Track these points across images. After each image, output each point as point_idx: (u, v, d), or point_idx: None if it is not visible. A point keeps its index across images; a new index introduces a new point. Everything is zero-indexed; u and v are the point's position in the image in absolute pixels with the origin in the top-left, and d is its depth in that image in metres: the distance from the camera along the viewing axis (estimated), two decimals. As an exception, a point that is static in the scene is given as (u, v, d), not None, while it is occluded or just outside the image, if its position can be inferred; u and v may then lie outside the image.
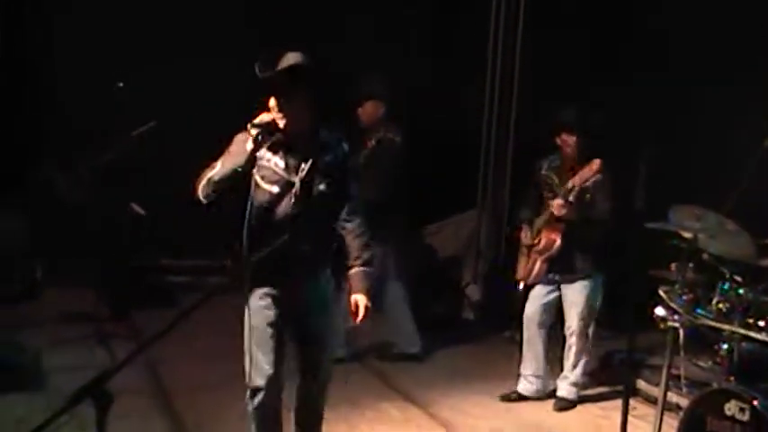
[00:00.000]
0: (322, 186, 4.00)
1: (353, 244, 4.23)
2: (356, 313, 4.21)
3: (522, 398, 5.96)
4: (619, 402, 5.79)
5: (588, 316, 5.72)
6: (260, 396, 4.13)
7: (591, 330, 5.76)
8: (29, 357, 6.12)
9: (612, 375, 6.28)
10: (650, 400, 5.74)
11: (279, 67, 3.89)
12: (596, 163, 5.38)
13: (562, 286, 5.75)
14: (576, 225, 5.55)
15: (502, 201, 8.28)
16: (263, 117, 3.93)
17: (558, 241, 5.59)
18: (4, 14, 7.92)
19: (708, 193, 4.90)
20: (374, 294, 4.52)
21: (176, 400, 5.66)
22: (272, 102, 3.95)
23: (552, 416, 5.76)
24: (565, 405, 5.80)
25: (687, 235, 4.73)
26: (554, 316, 5.88)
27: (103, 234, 7.03)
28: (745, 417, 4.17)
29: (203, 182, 4.01)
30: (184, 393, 5.68)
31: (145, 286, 8.06)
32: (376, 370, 6.56)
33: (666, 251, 4.89)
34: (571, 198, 5.50)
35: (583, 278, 5.68)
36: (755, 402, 4.15)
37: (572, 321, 5.73)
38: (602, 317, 5.90)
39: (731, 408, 4.23)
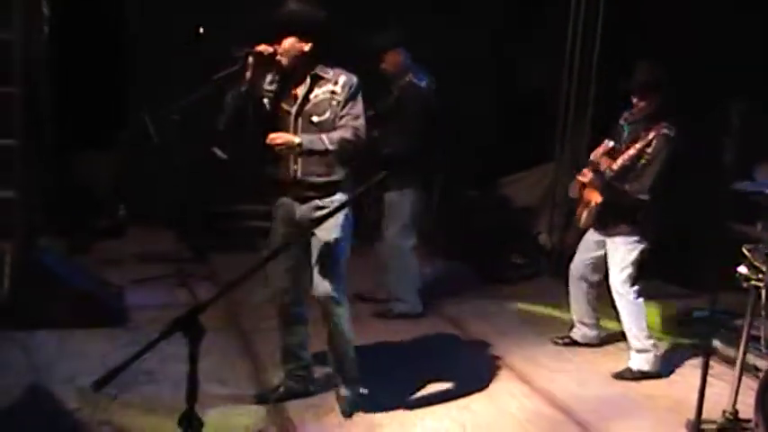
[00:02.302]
0: (315, 118, 4.46)
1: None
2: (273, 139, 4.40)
3: (575, 343, 6.06)
4: (693, 361, 5.80)
5: (626, 273, 5.55)
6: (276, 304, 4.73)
7: (633, 290, 5.57)
8: (112, 293, 6.30)
9: (688, 333, 6.23)
10: (727, 361, 5.67)
11: (272, 14, 4.45)
12: (660, 129, 5.29)
13: (607, 240, 5.65)
14: (613, 191, 5.45)
15: (580, 153, 8.18)
16: (262, 47, 4.40)
17: (594, 202, 5.51)
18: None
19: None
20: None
21: (255, 341, 5.78)
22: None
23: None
24: (624, 374, 5.60)
25: (773, 192, 4.64)
26: (599, 270, 5.80)
27: (186, 176, 7.16)
28: (827, 379, 4.11)
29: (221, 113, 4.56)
30: (264, 334, 5.78)
31: (224, 229, 8.21)
32: (448, 318, 6.62)
33: (753, 208, 4.80)
34: (606, 174, 5.42)
35: (623, 234, 5.55)
36: (839, 365, 4.08)
37: (610, 277, 5.65)
38: (679, 274, 5.82)
39: (813, 370, 4.17)
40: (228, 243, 7.98)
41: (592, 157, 5.65)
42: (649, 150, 5.33)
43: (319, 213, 4.50)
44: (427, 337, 6.19)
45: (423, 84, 6.33)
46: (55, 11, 7.29)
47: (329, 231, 4.49)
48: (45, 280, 5.73)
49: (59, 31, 7.56)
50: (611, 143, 5.60)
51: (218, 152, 7.12)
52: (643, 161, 5.37)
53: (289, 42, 4.42)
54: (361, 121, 4.49)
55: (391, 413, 4.76)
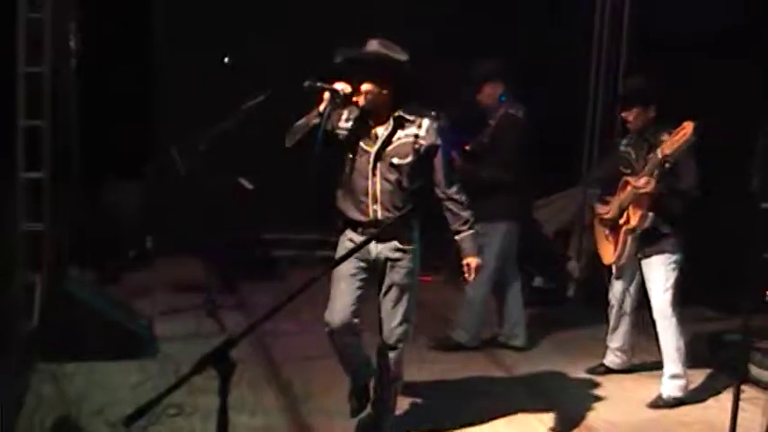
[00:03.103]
0: (396, 160, 4.40)
1: (455, 209, 4.54)
2: (468, 272, 4.55)
3: (609, 371, 5.99)
4: (726, 386, 5.72)
5: (669, 293, 5.46)
6: (332, 335, 4.54)
7: (677, 312, 5.47)
8: (142, 325, 6.33)
9: (722, 357, 6.16)
10: (760, 385, 5.62)
11: (356, 54, 4.37)
12: (688, 126, 5.00)
13: (642, 263, 5.57)
14: (663, 197, 5.34)
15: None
16: (338, 84, 4.33)
17: (650, 215, 5.38)
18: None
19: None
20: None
21: (284, 371, 5.78)
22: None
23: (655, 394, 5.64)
24: (659, 403, 5.53)
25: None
26: (640, 295, 5.73)
27: (213, 207, 7.21)
28: None
29: (289, 132, 4.47)
30: (292, 364, 5.80)
31: (252, 259, 8.24)
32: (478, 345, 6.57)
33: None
34: (656, 172, 5.23)
35: (661, 253, 5.47)
36: None
37: (653, 299, 5.54)
38: (709, 297, 5.75)
39: None
40: (257, 272, 8.01)
41: (604, 216, 5.65)
42: (671, 160, 5.12)
43: (397, 255, 4.48)
44: (454, 361, 6.17)
45: (520, 114, 6.30)
46: (85, 42, 7.41)
47: (406, 275, 4.50)
48: (74, 311, 5.74)
49: (89, 62, 7.67)
50: (627, 171, 5.49)
51: (245, 182, 7.17)
52: (673, 161, 5.13)
53: (369, 86, 4.35)
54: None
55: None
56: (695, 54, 7.13)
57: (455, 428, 4.94)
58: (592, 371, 6.05)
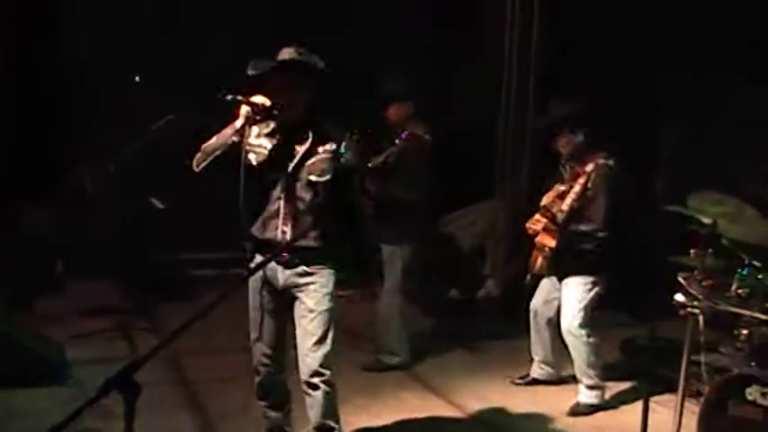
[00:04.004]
0: (313, 177, 4.20)
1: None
2: None
3: (536, 381, 6.02)
4: (639, 390, 5.84)
5: (580, 314, 5.53)
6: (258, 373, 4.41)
7: (585, 332, 5.54)
8: (53, 350, 6.18)
9: (634, 362, 6.28)
10: (672, 387, 5.74)
11: (273, 63, 4.16)
12: (582, 176, 5.27)
13: (562, 281, 5.63)
14: (568, 234, 5.43)
15: (519, 190, 8.23)
16: (257, 98, 4.13)
17: (550, 246, 5.44)
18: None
19: (726, 180, 4.90)
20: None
21: (199, 392, 5.71)
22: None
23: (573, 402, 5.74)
24: (577, 410, 5.62)
25: (706, 220, 4.72)
26: (558, 310, 5.76)
27: (124, 228, 7.10)
28: (767, 401, 4.18)
29: (199, 153, 4.28)
30: (207, 385, 5.73)
31: (165, 280, 8.11)
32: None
33: (686, 238, 4.88)
34: (557, 220, 5.37)
35: (578, 274, 5.52)
36: (777, 387, 4.15)
37: (562, 317, 5.62)
38: (622, 305, 5.84)
39: (752, 393, 4.24)
40: (171, 293, 7.88)
41: (543, 201, 5.59)
42: (590, 185, 5.30)
43: (307, 279, 4.27)
44: (371, 376, 6.15)
45: (425, 135, 6.23)
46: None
47: (319, 300, 4.28)
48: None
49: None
50: (562, 187, 5.56)
51: (156, 202, 7.07)
52: (589, 196, 5.33)
53: (286, 95, 4.15)
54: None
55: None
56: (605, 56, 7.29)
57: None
58: (517, 381, 6.07)
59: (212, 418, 5.29)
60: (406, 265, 6.24)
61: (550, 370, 6.02)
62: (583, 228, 5.41)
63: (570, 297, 5.55)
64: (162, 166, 7.18)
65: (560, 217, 5.37)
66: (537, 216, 5.50)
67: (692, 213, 4.76)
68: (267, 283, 4.33)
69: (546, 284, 5.81)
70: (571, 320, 5.54)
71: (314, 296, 4.28)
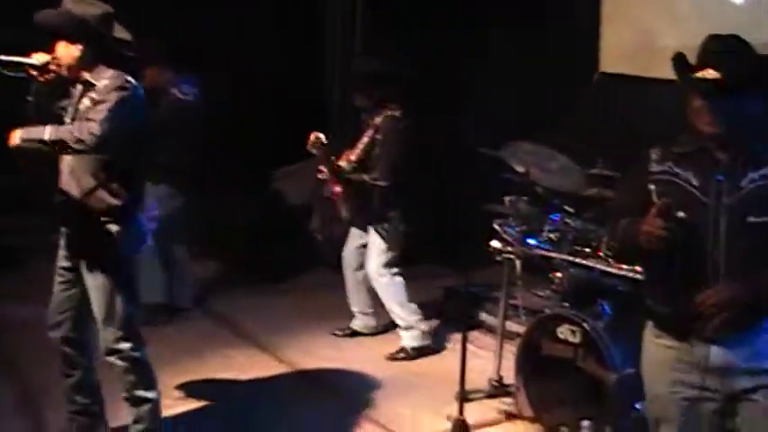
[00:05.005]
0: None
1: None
2: None
3: (355, 333, 6.09)
4: (461, 335, 6.00)
5: (383, 257, 5.68)
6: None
7: (388, 271, 5.70)
8: None
9: (453, 309, 6.42)
10: (493, 331, 5.92)
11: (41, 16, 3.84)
12: (372, 128, 5.54)
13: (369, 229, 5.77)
14: (354, 186, 5.60)
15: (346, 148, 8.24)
16: (37, 56, 3.85)
17: (336, 193, 5.66)
18: None
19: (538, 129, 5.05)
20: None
21: (21, 367, 5.44)
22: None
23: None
24: (396, 356, 5.74)
25: (520, 169, 4.86)
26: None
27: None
28: (576, 339, 4.36)
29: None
30: (28, 360, 5.44)
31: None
32: (221, 318, 6.50)
33: (500, 186, 5.01)
34: (346, 168, 5.58)
35: (379, 222, 5.67)
36: (585, 325, 4.33)
37: (366, 263, 5.77)
38: (440, 256, 5.95)
39: (563, 331, 4.41)
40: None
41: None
42: (379, 136, 5.53)
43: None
44: (197, 336, 6.06)
45: (189, 97, 6.06)
46: None
47: (101, 282, 3.93)
48: None
49: None
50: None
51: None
52: (377, 148, 5.54)
53: (61, 49, 3.82)
54: (94, 125, 3.66)
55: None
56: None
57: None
58: (337, 333, 6.11)
59: (35, 391, 5.05)
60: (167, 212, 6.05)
61: (368, 320, 6.08)
62: (365, 177, 5.56)
63: (371, 243, 5.72)
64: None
65: (348, 167, 5.56)
66: (321, 167, 5.65)
67: (506, 161, 4.88)
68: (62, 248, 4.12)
69: (355, 233, 5.92)
70: (373, 264, 5.71)
71: (95, 275, 3.97)
